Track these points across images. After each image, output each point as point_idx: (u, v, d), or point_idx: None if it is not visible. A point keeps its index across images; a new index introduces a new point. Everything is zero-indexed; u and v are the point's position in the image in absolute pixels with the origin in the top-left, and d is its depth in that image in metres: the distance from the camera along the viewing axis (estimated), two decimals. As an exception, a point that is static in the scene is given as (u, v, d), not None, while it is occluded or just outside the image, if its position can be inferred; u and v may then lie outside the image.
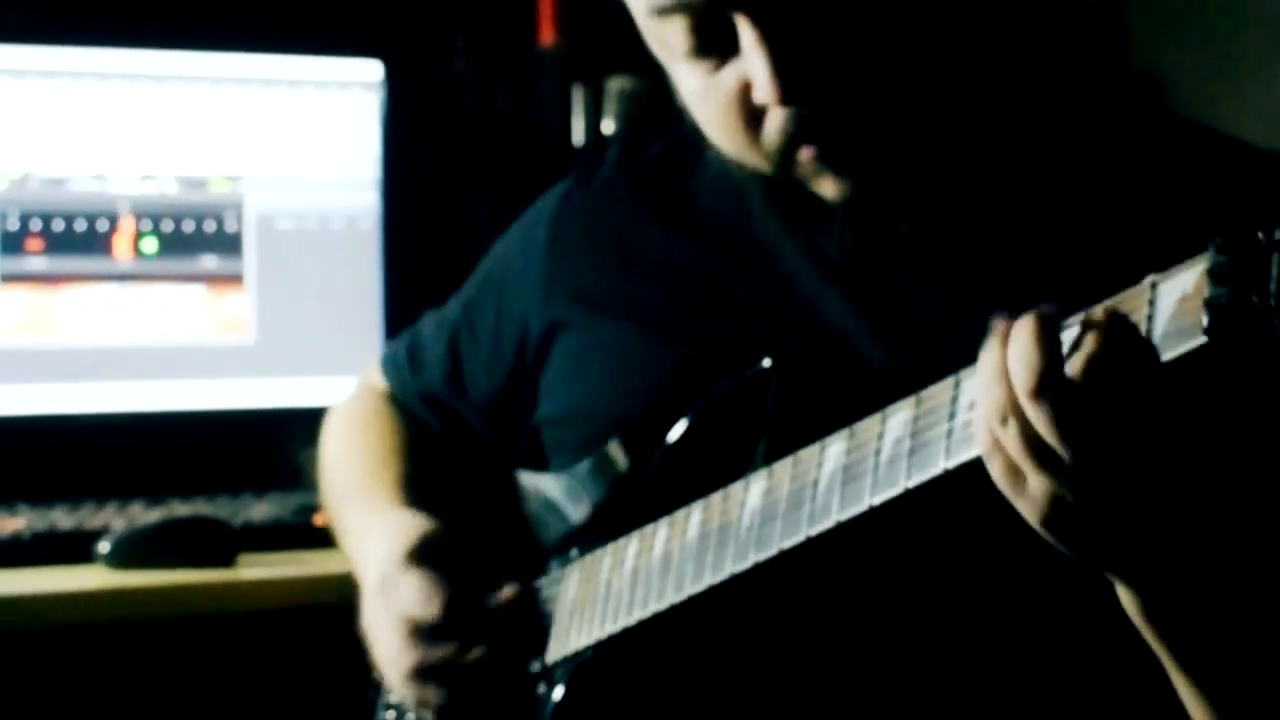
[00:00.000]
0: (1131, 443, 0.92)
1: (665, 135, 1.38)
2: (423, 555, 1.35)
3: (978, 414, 0.96)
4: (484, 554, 1.40)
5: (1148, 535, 0.95)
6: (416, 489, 1.51)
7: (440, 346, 1.56)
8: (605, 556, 1.31)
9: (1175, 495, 0.94)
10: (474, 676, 1.34)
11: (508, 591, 1.35)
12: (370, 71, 2.27)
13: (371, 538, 1.42)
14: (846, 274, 1.23)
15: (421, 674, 1.34)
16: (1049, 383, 0.91)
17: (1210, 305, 0.86)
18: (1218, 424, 0.96)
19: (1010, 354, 0.93)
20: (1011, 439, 0.94)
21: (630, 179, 1.41)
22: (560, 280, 1.42)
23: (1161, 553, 0.96)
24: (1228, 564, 0.98)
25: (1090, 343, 0.91)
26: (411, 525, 1.39)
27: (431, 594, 1.32)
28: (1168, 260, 0.93)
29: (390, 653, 1.36)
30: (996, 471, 0.96)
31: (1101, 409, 0.91)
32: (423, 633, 1.33)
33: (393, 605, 1.34)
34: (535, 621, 1.37)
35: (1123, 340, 0.91)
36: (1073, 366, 0.91)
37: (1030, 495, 0.95)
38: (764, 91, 1.13)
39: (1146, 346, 0.90)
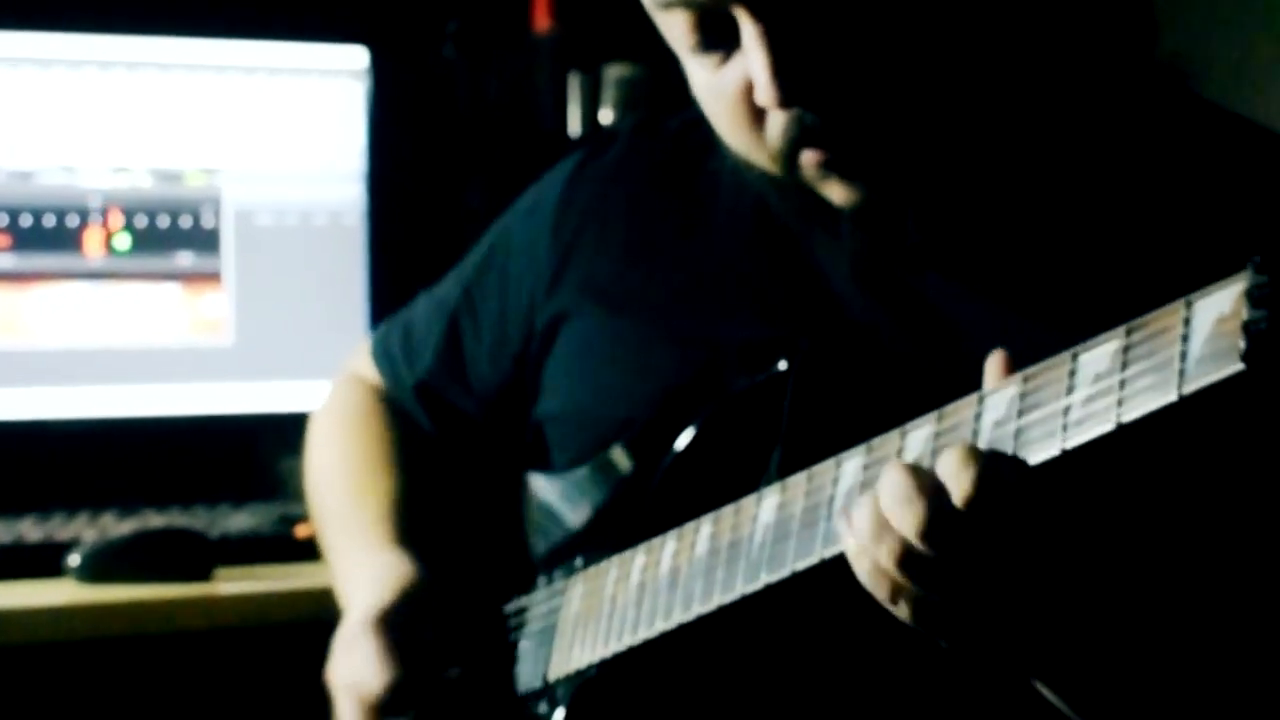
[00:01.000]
0: (1016, 565, 0.98)
1: (682, 112, 1.36)
2: (388, 620, 1.37)
3: (862, 563, 1.01)
4: (471, 581, 1.41)
5: (1050, 640, 1.02)
6: (407, 508, 1.51)
7: (437, 332, 1.55)
8: (611, 569, 1.31)
9: (1068, 600, 1.00)
10: None
11: (453, 674, 1.38)
12: (355, 58, 2.26)
13: (353, 582, 1.45)
14: (871, 273, 1.23)
15: None
16: (931, 531, 0.97)
17: (1248, 330, 0.85)
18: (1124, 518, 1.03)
19: (888, 501, 0.98)
20: (911, 580, 0.99)
21: (646, 159, 1.41)
22: (567, 265, 1.41)
23: (1071, 654, 1.03)
24: (1150, 650, 1.05)
25: (965, 484, 0.96)
26: (390, 578, 1.40)
27: (383, 666, 1.35)
28: (1195, 258, 0.93)
29: (342, 712, 1.39)
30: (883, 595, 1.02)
31: (983, 540, 0.97)
32: (368, 704, 1.36)
33: (348, 668, 1.38)
34: (499, 678, 1.39)
35: (996, 476, 0.96)
36: (952, 505, 0.96)
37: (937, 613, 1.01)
38: (764, 93, 1.13)
39: (1020, 477, 0.96)
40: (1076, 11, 1.27)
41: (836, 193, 1.18)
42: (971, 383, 1.04)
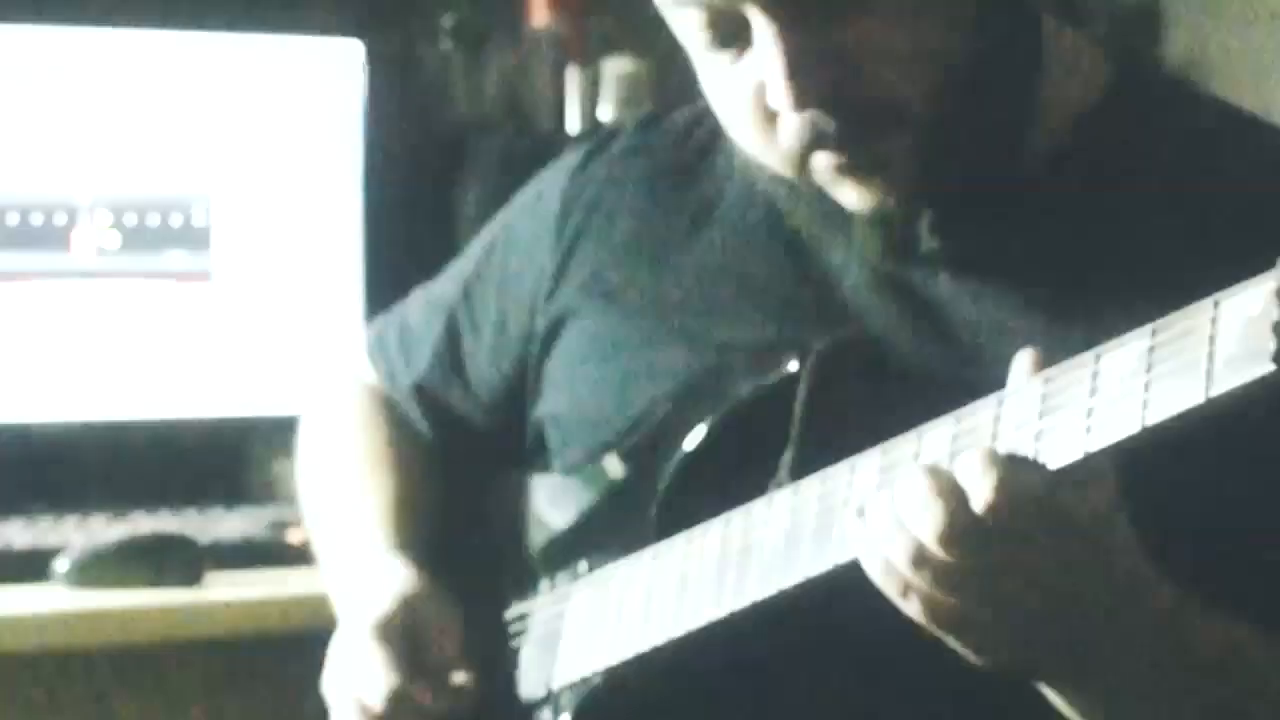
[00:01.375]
0: (1035, 578, 0.99)
1: (689, 106, 1.35)
2: (389, 628, 1.35)
3: (875, 561, 1.02)
4: (474, 586, 1.40)
5: (1069, 647, 1.03)
6: (404, 511, 1.50)
7: (435, 332, 1.53)
8: (616, 573, 1.30)
9: (1090, 611, 1.01)
10: None
11: (462, 680, 1.35)
12: (350, 53, 2.26)
13: (349, 587, 1.43)
14: (884, 276, 1.22)
15: None
16: (952, 534, 0.97)
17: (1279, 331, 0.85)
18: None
19: (905, 503, 0.99)
20: (925, 580, 1.00)
21: (652, 154, 1.39)
22: (570, 263, 1.40)
23: (1086, 660, 1.03)
24: (1159, 663, 1.05)
25: (986, 490, 0.96)
26: (389, 584, 1.38)
27: (387, 676, 1.33)
28: (1214, 259, 0.93)
29: None
30: (915, 609, 1.02)
31: (1001, 546, 0.97)
32: (372, 715, 1.34)
33: (348, 678, 1.36)
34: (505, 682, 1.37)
35: (1017, 482, 0.96)
36: (971, 511, 0.97)
37: (958, 621, 1.02)
38: (777, 96, 1.12)
39: (1041, 481, 0.96)
40: (1084, 10, 1.26)
41: (849, 196, 1.17)
42: (984, 386, 1.03)
